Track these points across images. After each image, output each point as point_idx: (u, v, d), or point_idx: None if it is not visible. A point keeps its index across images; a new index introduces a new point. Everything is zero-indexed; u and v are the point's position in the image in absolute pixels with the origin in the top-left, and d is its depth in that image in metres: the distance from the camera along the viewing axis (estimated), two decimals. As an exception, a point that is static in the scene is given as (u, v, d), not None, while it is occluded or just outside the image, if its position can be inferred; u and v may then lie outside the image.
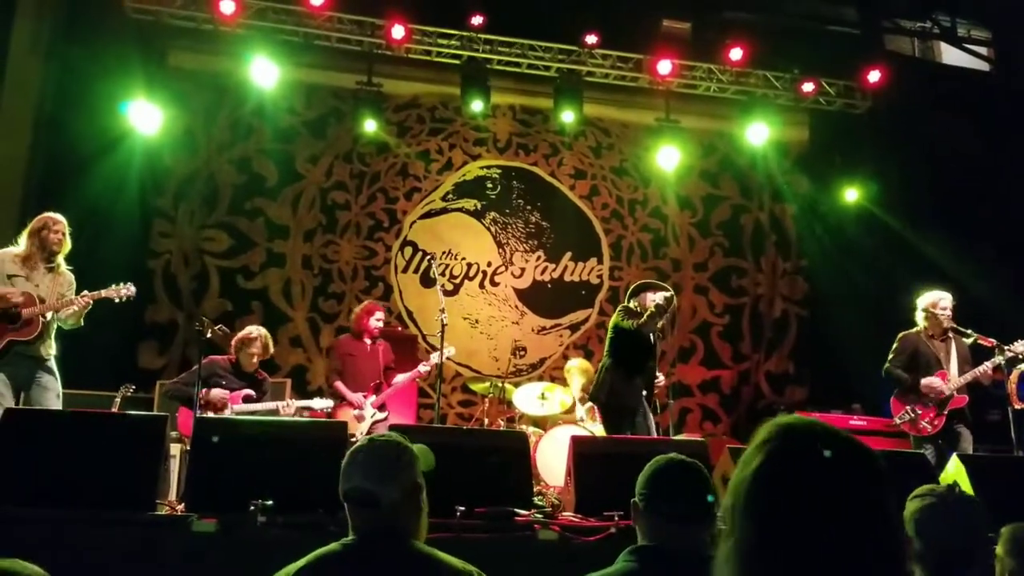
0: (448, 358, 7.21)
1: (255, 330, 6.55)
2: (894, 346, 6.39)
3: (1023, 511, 2.85)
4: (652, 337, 6.33)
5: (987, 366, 6.01)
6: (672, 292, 6.33)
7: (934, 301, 6.30)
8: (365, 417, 6.76)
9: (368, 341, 7.05)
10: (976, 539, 2.10)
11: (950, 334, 6.25)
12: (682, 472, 2.26)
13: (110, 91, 8.23)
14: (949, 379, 6.09)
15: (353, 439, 5.10)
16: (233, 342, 6.44)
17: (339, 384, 6.91)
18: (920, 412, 6.11)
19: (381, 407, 6.89)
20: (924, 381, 6.09)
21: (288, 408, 6.44)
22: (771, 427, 1.17)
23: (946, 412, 6.04)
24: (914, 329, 6.41)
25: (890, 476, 1.11)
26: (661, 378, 6.60)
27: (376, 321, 7.06)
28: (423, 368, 7.12)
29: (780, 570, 1.06)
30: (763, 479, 1.11)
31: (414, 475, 2.21)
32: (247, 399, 6.34)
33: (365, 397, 6.83)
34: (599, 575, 2.16)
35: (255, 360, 6.46)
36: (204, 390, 6.06)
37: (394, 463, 2.18)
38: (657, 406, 6.45)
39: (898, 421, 6.23)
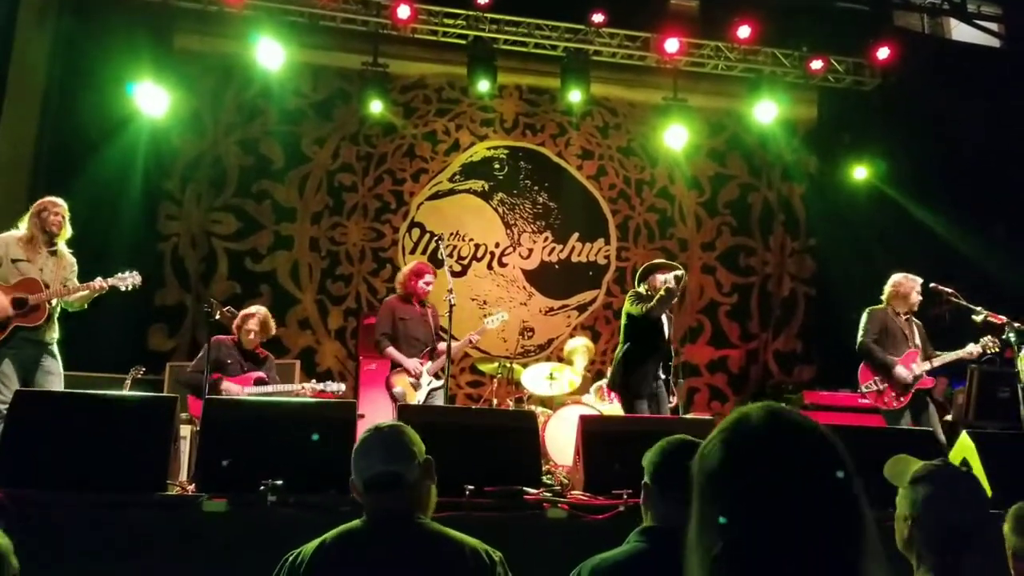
0: (495, 324, 7.16)
1: (253, 308, 6.52)
2: (863, 321, 6.52)
3: (1032, 488, 2.85)
4: (664, 317, 6.32)
5: (957, 354, 6.23)
6: (683, 270, 6.34)
7: (912, 285, 6.45)
8: (422, 385, 6.54)
9: (417, 305, 6.80)
10: (980, 517, 2.09)
11: (913, 312, 6.46)
12: (690, 452, 2.25)
13: (117, 73, 8.22)
14: (917, 358, 6.26)
15: (362, 417, 5.12)
16: (236, 321, 6.42)
17: (392, 350, 6.59)
18: (886, 387, 6.29)
19: (436, 375, 6.66)
20: (896, 372, 6.23)
21: (303, 391, 6.40)
22: (732, 413, 1.19)
23: (911, 392, 6.21)
24: (880, 305, 6.56)
25: (848, 459, 1.12)
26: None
27: (424, 284, 6.77)
28: (474, 337, 6.97)
29: (748, 555, 1.07)
30: (715, 465, 1.14)
31: (423, 451, 2.28)
32: (259, 382, 6.33)
33: (421, 364, 6.59)
34: (611, 554, 2.16)
35: (252, 337, 6.37)
36: (218, 378, 6.10)
37: (408, 442, 2.26)
38: (672, 386, 6.44)
39: (864, 390, 6.45)
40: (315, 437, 3.97)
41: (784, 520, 1.06)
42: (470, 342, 7.07)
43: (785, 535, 1.05)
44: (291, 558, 2.17)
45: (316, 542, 2.18)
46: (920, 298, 6.44)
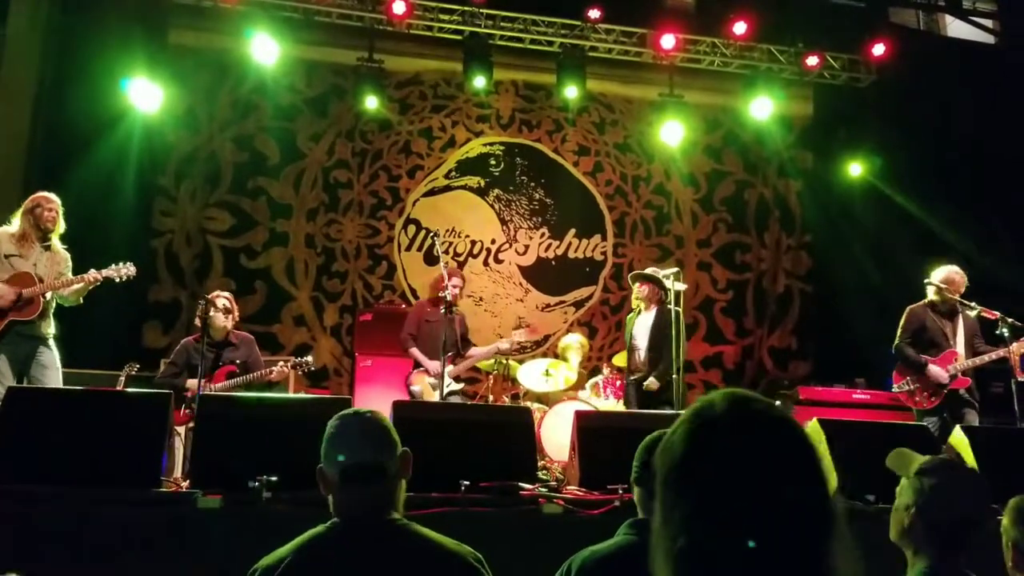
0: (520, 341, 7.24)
1: (212, 294, 6.29)
2: (902, 322, 6.38)
3: (1026, 482, 2.86)
4: (641, 323, 6.94)
5: (997, 353, 6.00)
6: (651, 277, 6.89)
7: (949, 278, 6.26)
8: (443, 386, 6.51)
9: (442, 309, 6.70)
10: (981, 511, 2.11)
11: (958, 307, 6.24)
12: None
13: (111, 69, 8.20)
14: (957, 357, 6.10)
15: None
16: (197, 315, 5.99)
17: (415, 350, 6.78)
18: (918, 386, 6.18)
19: (457, 378, 6.80)
20: (930, 370, 6.10)
21: (271, 374, 6.14)
22: (696, 401, 1.16)
23: (945, 392, 6.09)
24: (921, 303, 6.40)
25: (810, 445, 1.10)
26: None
27: (453, 287, 6.72)
28: (503, 345, 7.05)
29: (708, 545, 1.06)
30: (678, 453, 1.11)
31: (399, 439, 2.11)
32: (230, 375, 6.15)
33: (443, 366, 6.56)
34: (600, 547, 2.18)
35: (222, 323, 6.15)
36: (186, 380, 6.03)
37: (390, 431, 2.10)
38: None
39: (896, 390, 6.32)
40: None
41: (748, 511, 1.03)
42: (498, 350, 7.13)
43: (749, 527, 1.03)
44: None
45: (274, 558, 1.96)
46: (960, 286, 6.21)
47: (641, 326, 6.85)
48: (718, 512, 1.05)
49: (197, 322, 5.99)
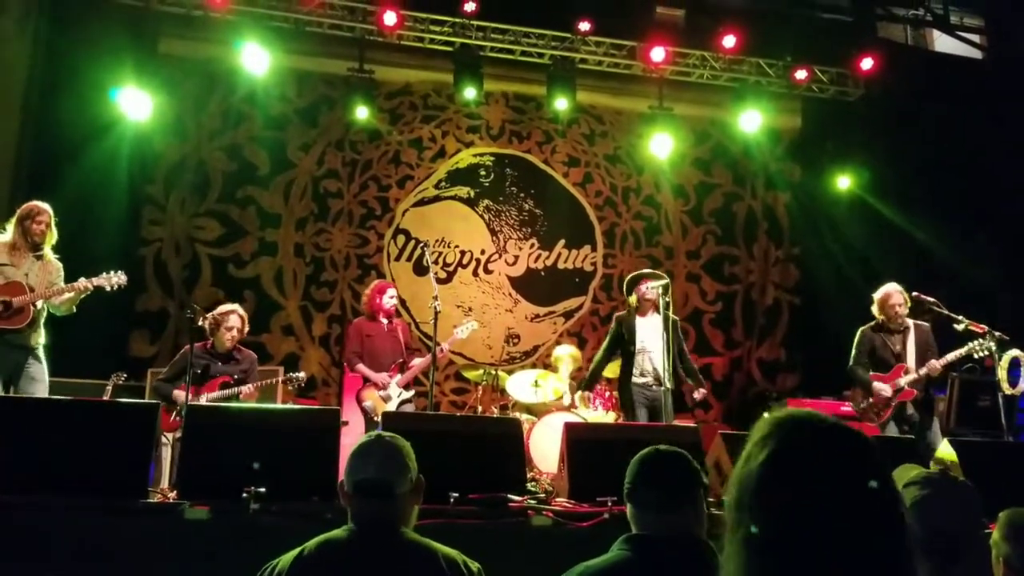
0: (466, 334, 7.21)
1: (229, 307, 6.36)
2: (855, 342, 6.55)
3: (1013, 495, 2.87)
4: (646, 327, 6.60)
5: (957, 353, 6.15)
6: (666, 279, 6.53)
7: (885, 295, 6.44)
8: (392, 397, 6.69)
9: (384, 321, 6.96)
10: (972, 523, 2.11)
11: (908, 324, 6.39)
12: (663, 462, 2.31)
13: (100, 77, 8.16)
14: (906, 370, 6.27)
15: (345, 424, 5.09)
16: (207, 324, 6.16)
17: (361, 366, 6.81)
18: (871, 402, 6.39)
19: (406, 386, 6.84)
20: (874, 387, 6.32)
21: (251, 392, 6.20)
22: (773, 421, 1.16)
23: (893, 405, 6.28)
24: (870, 324, 6.55)
25: (887, 465, 1.12)
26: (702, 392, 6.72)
27: (389, 299, 6.95)
28: (445, 346, 7.03)
29: (789, 564, 1.06)
30: (770, 474, 1.11)
31: (416, 470, 2.30)
32: (224, 385, 6.16)
33: (390, 376, 6.75)
34: (594, 563, 2.17)
35: (234, 335, 6.23)
36: (178, 392, 6.01)
37: (406, 457, 2.28)
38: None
39: (853, 409, 6.57)
40: (255, 466, 3.88)
41: (836, 526, 1.06)
42: (442, 350, 7.07)
43: (835, 540, 1.05)
44: (269, 568, 2.16)
45: (295, 552, 2.17)
46: (900, 309, 6.38)
47: (648, 329, 6.58)
48: (800, 532, 1.07)
49: (207, 327, 6.12)
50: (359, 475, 2.23)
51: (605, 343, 6.91)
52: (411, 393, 6.86)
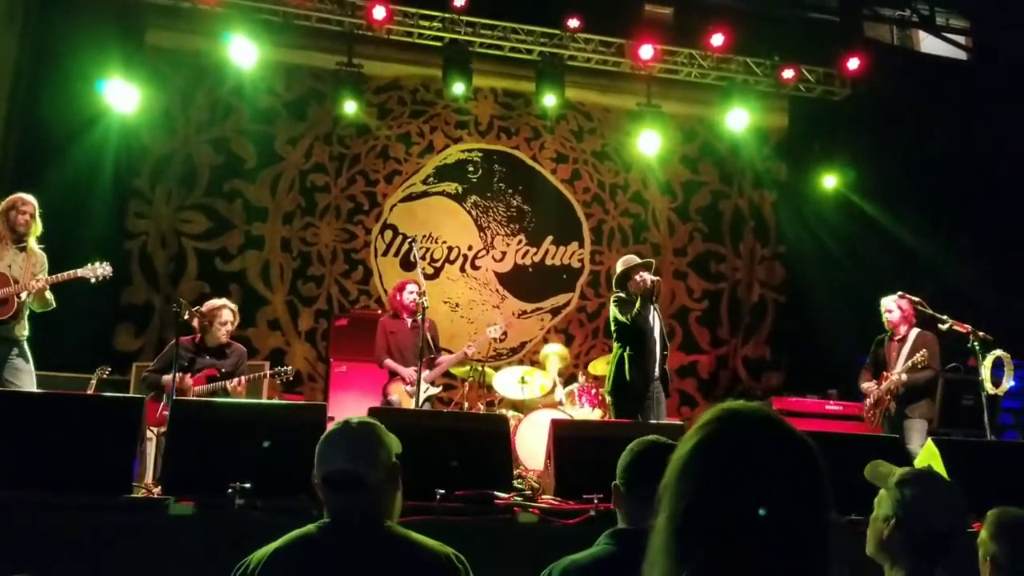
0: (496, 337, 7.39)
1: (217, 301, 6.30)
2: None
3: (996, 494, 2.90)
4: (652, 318, 6.32)
5: (889, 375, 6.31)
6: (653, 266, 6.48)
7: (884, 305, 6.59)
8: (418, 391, 6.55)
9: (407, 318, 6.97)
10: (959, 522, 2.13)
11: (907, 331, 6.47)
12: (660, 454, 2.28)
13: (87, 70, 8.10)
14: (886, 376, 6.38)
15: (331, 420, 5.07)
16: (198, 323, 6.14)
17: (390, 361, 6.88)
18: (868, 406, 6.59)
19: (434, 382, 6.93)
20: (862, 390, 6.61)
21: (239, 388, 6.11)
22: (713, 411, 1.19)
23: (879, 409, 6.45)
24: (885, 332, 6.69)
25: (824, 464, 1.13)
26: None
27: (409, 295, 6.92)
28: (469, 350, 7.16)
29: (704, 547, 1.08)
30: (695, 456, 1.14)
31: (391, 455, 2.19)
32: (211, 379, 6.11)
33: (416, 372, 6.65)
34: (579, 556, 2.18)
35: (227, 331, 6.20)
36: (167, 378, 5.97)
37: (376, 443, 2.16)
38: (667, 388, 6.43)
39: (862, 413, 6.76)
40: (265, 444, 3.90)
41: (755, 513, 1.07)
42: (465, 354, 7.20)
43: (753, 527, 1.07)
44: (244, 565, 2.09)
45: (269, 548, 2.10)
46: (887, 312, 6.52)
47: (652, 321, 6.32)
48: (718, 516, 1.09)
49: (195, 323, 6.10)
50: (327, 466, 2.12)
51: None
52: (438, 389, 7.00)
